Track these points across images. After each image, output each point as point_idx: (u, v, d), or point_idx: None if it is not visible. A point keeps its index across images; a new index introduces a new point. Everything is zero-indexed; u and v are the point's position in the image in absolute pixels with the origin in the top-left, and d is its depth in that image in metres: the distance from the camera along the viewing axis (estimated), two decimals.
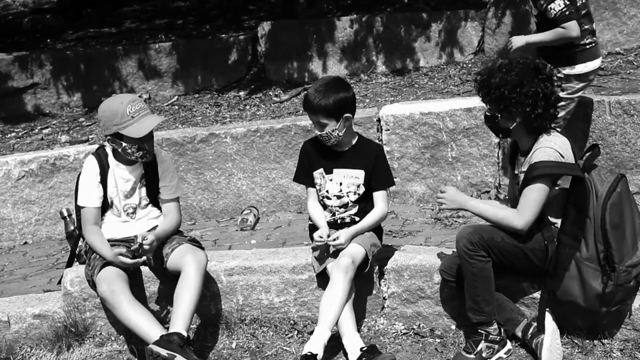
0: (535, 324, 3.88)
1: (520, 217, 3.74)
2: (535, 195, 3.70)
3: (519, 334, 3.94)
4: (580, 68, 5.13)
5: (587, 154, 3.80)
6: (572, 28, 4.95)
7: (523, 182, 3.75)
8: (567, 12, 4.93)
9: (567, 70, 5.13)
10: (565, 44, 5.06)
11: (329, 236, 4.07)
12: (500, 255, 3.78)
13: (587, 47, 5.14)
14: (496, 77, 3.77)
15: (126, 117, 4.07)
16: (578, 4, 5.06)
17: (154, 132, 4.23)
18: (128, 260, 4.09)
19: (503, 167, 5.75)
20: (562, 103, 5.07)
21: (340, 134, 4.13)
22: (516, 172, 3.98)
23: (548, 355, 3.73)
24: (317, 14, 8.57)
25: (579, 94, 5.23)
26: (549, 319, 3.82)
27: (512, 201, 4.04)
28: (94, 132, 7.27)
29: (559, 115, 4.99)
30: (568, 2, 4.94)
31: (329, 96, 4.03)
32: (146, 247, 4.07)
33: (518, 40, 5.16)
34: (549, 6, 4.96)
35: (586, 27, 5.11)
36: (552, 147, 3.72)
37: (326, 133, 4.08)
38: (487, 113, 3.93)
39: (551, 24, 5.02)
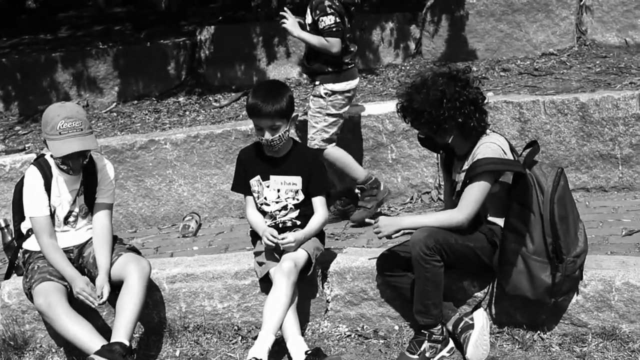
0: (465, 319, 3.93)
1: (460, 212, 3.78)
2: (477, 192, 3.75)
3: (450, 327, 3.97)
4: (344, 85, 5.42)
5: (527, 150, 3.86)
6: (334, 45, 5.24)
7: (465, 179, 3.79)
8: (334, 29, 5.23)
9: (331, 86, 5.36)
10: (331, 62, 5.35)
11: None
12: (453, 257, 3.79)
13: (350, 67, 5.46)
14: (418, 100, 3.78)
15: (54, 131, 3.98)
16: (348, 26, 5.40)
17: (87, 151, 4.11)
18: (90, 298, 4.01)
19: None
20: (332, 119, 5.42)
21: (288, 134, 4.13)
22: (453, 177, 4.02)
23: (473, 351, 3.82)
24: (258, 18, 8.53)
25: (345, 109, 5.48)
26: (480, 315, 3.91)
27: (448, 204, 4.10)
28: (30, 141, 7.13)
29: (331, 132, 5.37)
30: (339, 21, 5.24)
31: (281, 98, 4.03)
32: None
33: (291, 27, 5.39)
34: (321, 18, 5.24)
35: (352, 49, 5.47)
36: (496, 142, 3.78)
37: (278, 136, 4.06)
38: (420, 136, 3.96)
39: (318, 34, 5.29)
